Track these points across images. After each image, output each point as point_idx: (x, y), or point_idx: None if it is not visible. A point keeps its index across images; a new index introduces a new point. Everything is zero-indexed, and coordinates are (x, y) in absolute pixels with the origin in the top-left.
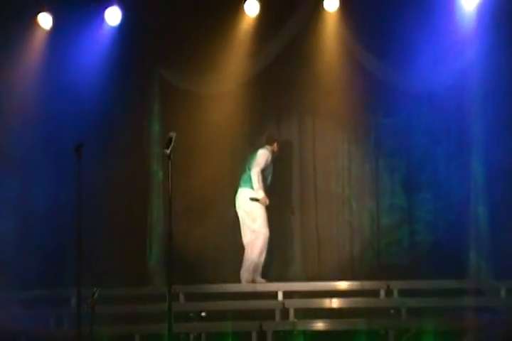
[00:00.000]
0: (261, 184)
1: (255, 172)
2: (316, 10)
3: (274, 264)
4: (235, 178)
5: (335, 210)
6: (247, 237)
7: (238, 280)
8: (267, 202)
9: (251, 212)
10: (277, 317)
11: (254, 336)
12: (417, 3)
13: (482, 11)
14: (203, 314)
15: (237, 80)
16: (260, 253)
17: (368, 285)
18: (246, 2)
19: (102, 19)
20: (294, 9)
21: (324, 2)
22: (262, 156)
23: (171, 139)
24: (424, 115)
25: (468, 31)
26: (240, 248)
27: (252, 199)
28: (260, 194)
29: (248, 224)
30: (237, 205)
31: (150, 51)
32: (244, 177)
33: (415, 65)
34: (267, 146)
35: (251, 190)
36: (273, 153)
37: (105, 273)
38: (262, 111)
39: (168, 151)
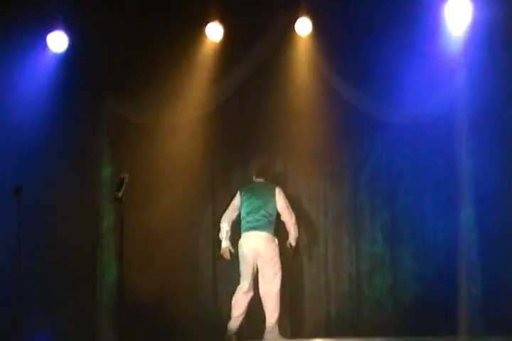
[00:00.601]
0: None
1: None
2: (287, 34)
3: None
4: (196, 220)
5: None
6: (266, 287)
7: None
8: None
9: (272, 260)
10: None
11: None
12: (398, 27)
13: (470, 35)
14: None
15: (197, 112)
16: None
17: None
18: (208, 26)
19: (46, 45)
20: (262, 33)
21: (296, 25)
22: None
23: (122, 181)
24: (408, 149)
25: (455, 56)
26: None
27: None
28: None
29: (268, 273)
30: (249, 251)
31: (99, 81)
32: (261, 221)
33: (397, 94)
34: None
35: (272, 236)
36: None
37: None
38: (227, 147)
39: (119, 194)
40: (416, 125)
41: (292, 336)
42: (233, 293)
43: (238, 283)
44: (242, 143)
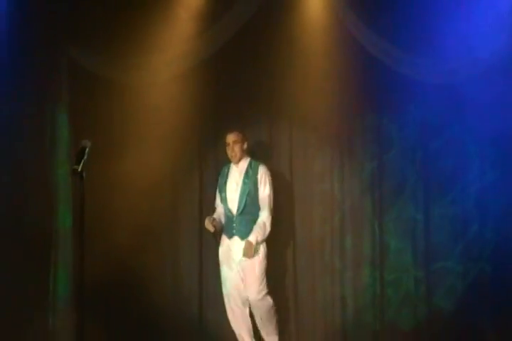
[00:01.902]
0: None
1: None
2: None
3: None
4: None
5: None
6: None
7: None
8: None
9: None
10: None
11: None
12: None
13: None
14: None
15: (181, 66)
16: None
17: None
18: None
19: None
20: None
21: None
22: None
23: (83, 150)
24: (444, 115)
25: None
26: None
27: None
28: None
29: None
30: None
31: (56, 23)
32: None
33: (435, 47)
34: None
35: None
36: None
37: None
38: (216, 113)
39: (78, 168)
40: (456, 84)
41: None
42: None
43: None
44: (237, 107)
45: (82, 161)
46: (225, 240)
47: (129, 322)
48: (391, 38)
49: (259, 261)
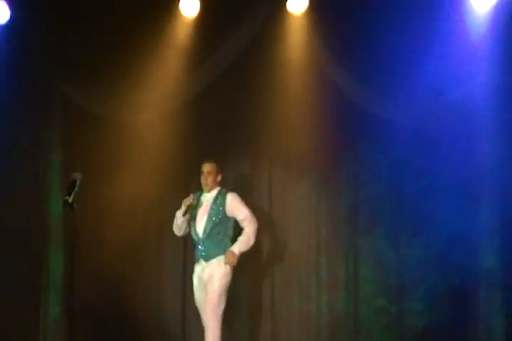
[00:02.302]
0: None
1: None
2: (277, 11)
3: None
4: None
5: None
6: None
7: None
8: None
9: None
10: None
11: None
12: (413, 11)
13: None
14: None
15: (169, 104)
16: None
17: None
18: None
19: None
20: (247, 9)
21: (287, 2)
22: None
23: (74, 182)
24: (417, 157)
25: (479, 45)
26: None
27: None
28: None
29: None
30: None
31: (49, 61)
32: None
33: (406, 90)
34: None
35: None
36: None
37: None
38: (202, 147)
39: (69, 199)
40: (426, 128)
41: None
42: None
43: None
44: (220, 143)
45: (73, 193)
46: (195, 267)
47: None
48: (364, 81)
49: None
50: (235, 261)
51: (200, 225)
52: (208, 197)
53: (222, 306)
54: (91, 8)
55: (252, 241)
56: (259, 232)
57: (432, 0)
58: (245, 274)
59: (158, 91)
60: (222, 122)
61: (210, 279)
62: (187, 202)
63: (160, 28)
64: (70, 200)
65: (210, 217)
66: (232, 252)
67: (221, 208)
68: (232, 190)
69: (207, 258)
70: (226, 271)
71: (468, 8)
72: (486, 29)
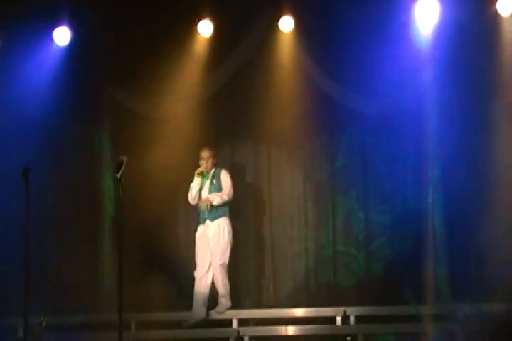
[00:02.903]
0: None
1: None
2: (271, 30)
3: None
4: (185, 207)
5: (288, 233)
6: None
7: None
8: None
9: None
10: None
11: None
12: (374, 26)
13: (439, 33)
14: None
15: (189, 103)
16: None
17: (324, 311)
18: (199, 23)
19: (51, 39)
20: (248, 29)
21: (280, 23)
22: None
23: (121, 163)
24: (381, 139)
25: (425, 51)
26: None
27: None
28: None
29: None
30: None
31: (100, 72)
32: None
33: (372, 86)
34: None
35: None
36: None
37: (54, 301)
38: (216, 135)
39: (118, 175)
40: (388, 115)
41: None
42: None
43: None
44: (229, 133)
45: (121, 171)
46: (199, 227)
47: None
48: (338, 79)
49: (225, 236)
50: (208, 204)
51: (206, 194)
52: (208, 176)
53: (228, 255)
54: (131, 28)
55: (224, 199)
56: (265, 192)
57: (388, 23)
58: (251, 223)
59: (182, 93)
60: (232, 114)
61: (216, 235)
62: (198, 171)
63: (183, 44)
64: (118, 177)
65: (212, 187)
66: (207, 198)
67: (218, 181)
68: (240, 165)
69: (213, 219)
70: (228, 229)
71: (415, 27)
72: (429, 42)
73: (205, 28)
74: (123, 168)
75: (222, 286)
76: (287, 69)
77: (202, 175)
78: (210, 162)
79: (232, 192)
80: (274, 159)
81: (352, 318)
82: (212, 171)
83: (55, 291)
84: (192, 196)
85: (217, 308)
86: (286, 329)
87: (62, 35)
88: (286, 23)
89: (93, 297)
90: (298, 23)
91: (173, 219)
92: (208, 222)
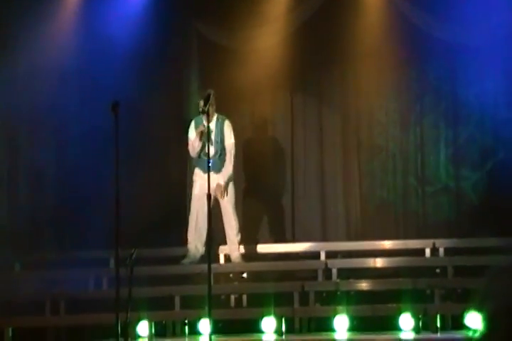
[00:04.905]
0: None
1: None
2: None
3: (317, 224)
4: (274, 132)
5: (377, 165)
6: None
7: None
8: None
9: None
10: (320, 278)
11: (296, 297)
12: None
13: None
14: (244, 275)
15: (276, 36)
16: None
17: (412, 243)
18: None
19: None
20: None
21: None
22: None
23: (208, 96)
24: (470, 70)
25: None
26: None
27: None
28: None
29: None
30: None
31: (187, 6)
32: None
33: (463, 17)
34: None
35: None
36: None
37: (144, 233)
38: (303, 67)
39: (206, 108)
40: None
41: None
42: None
43: None
44: (317, 64)
45: (208, 103)
46: (199, 173)
47: None
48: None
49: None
50: (223, 191)
51: (212, 146)
52: (212, 124)
53: (234, 198)
54: None
55: (230, 169)
56: (352, 123)
57: None
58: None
59: (268, 27)
60: (320, 45)
61: (220, 185)
62: (200, 130)
63: None
64: (206, 109)
65: (216, 140)
66: (219, 185)
67: (221, 132)
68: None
69: (218, 170)
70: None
71: None
72: None
73: None
74: (210, 101)
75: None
76: (375, 3)
77: (203, 134)
78: (212, 109)
79: (234, 149)
80: (361, 91)
81: (441, 250)
82: (215, 119)
83: (146, 224)
84: (193, 148)
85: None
86: (374, 262)
87: None
88: None
89: (179, 231)
90: None
91: None
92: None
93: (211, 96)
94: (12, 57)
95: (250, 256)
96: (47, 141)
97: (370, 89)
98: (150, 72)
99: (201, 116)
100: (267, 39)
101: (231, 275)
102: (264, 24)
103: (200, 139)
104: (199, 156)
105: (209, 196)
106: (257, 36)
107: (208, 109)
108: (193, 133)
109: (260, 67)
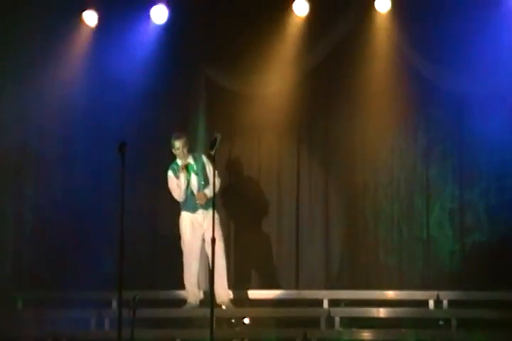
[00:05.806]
0: None
1: None
2: (367, 10)
3: (319, 273)
4: (280, 180)
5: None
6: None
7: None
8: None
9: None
10: (322, 326)
11: None
12: (474, 3)
13: None
14: (247, 321)
15: (284, 82)
16: None
17: (416, 294)
18: (295, 2)
19: (148, 17)
20: (344, 9)
21: (375, 2)
22: None
23: (215, 140)
24: (478, 121)
25: None
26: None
27: None
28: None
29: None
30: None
31: (196, 50)
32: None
33: (474, 67)
34: None
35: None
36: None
37: (147, 276)
38: (310, 114)
39: (212, 152)
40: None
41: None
42: None
43: None
44: (324, 111)
45: (215, 148)
46: (187, 216)
47: None
48: (434, 59)
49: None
50: (204, 200)
51: (195, 184)
52: (190, 160)
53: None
54: (227, 7)
55: (217, 183)
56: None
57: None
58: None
59: (277, 72)
60: (327, 93)
61: (209, 225)
62: (183, 165)
63: (278, 24)
64: (212, 153)
65: (199, 176)
66: (204, 193)
67: (201, 164)
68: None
69: (206, 208)
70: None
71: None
72: None
73: (301, 8)
74: (217, 146)
75: (221, 268)
76: (382, 49)
77: (187, 168)
78: (185, 151)
79: (218, 178)
80: (367, 137)
81: (445, 302)
82: (191, 158)
83: (149, 266)
84: (181, 194)
85: (219, 301)
86: (377, 311)
87: (159, 14)
88: (383, 4)
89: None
90: (395, 3)
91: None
92: (200, 210)
93: (217, 140)
94: (23, 88)
95: (251, 302)
96: (50, 180)
97: (377, 141)
98: (157, 114)
99: (176, 160)
100: (275, 84)
101: (233, 320)
102: (272, 70)
103: (184, 173)
104: (185, 195)
105: (213, 240)
106: (265, 81)
107: (182, 150)
108: (174, 176)
109: (267, 112)
